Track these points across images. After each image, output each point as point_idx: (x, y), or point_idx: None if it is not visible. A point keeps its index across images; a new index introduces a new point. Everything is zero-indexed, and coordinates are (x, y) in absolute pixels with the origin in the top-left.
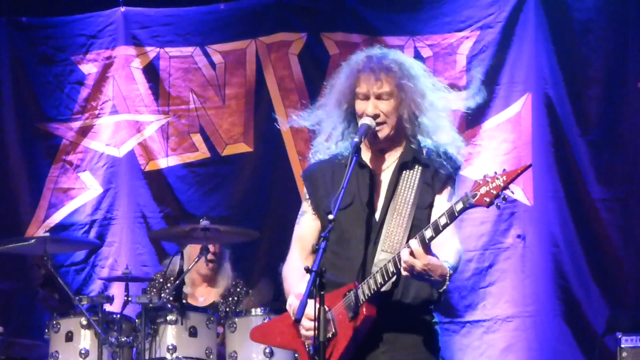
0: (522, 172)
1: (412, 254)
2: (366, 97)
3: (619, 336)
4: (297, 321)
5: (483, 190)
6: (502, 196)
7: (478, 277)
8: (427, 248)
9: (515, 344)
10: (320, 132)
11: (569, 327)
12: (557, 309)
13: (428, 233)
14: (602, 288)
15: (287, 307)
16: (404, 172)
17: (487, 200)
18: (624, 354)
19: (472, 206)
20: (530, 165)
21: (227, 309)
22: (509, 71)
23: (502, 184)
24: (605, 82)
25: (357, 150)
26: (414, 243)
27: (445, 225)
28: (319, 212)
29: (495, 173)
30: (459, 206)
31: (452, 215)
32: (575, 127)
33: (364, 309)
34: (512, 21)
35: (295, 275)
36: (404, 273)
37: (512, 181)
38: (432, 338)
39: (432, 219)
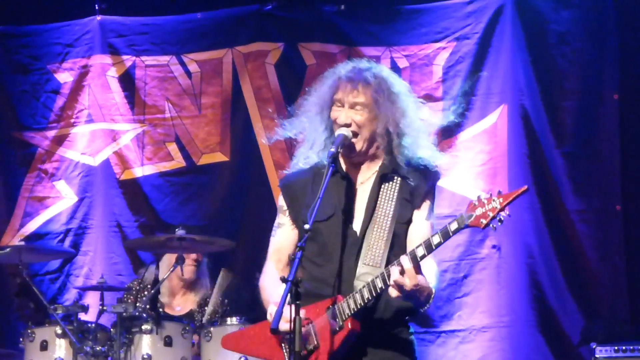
0: (519, 195)
1: (402, 272)
2: (341, 105)
3: (594, 346)
4: (273, 331)
5: (479, 211)
6: (498, 218)
7: (453, 288)
8: (417, 267)
9: (491, 354)
10: (303, 141)
11: (544, 337)
12: (532, 320)
13: (420, 251)
14: (577, 299)
15: (268, 316)
16: (384, 184)
17: (484, 222)
18: None
19: (466, 227)
20: (527, 189)
21: (203, 318)
22: (485, 82)
23: (498, 206)
24: (581, 93)
25: (334, 160)
26: (406, 261)
27: (439, 245)
28: (298, 222)
29: (491, 194)
30: (454, 226)
31: (446, 235)
32: (551, 139)
33: (349, 323)
34: (488, 32)
35: (273, 285)
36: (394, 294)
37: (508, 204)
38: (410, 349)
39: (411, 235)
